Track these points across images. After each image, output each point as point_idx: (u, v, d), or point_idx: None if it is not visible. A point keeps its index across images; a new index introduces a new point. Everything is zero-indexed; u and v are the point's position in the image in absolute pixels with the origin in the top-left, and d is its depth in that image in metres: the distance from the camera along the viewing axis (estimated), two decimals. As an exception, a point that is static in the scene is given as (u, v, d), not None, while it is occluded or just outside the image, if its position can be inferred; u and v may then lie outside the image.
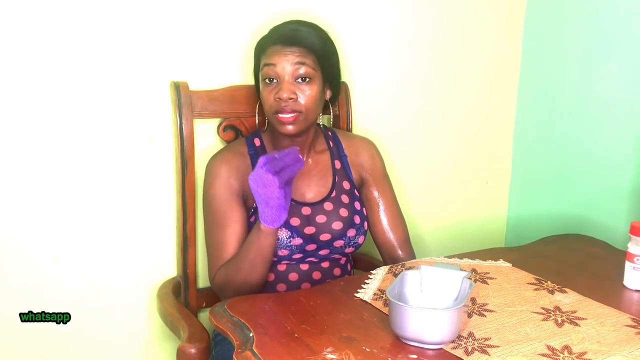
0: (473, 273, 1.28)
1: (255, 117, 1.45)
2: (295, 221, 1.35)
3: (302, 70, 1.31)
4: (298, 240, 1.35)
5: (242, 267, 1.29)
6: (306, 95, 1.32)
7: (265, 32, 1.41)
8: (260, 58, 1.36)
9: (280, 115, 1.31)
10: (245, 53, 1.49)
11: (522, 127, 1.98)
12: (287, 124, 1.31)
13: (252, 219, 1.36)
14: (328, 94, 1.42)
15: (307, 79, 1.32)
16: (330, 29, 1.45)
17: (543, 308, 1.14)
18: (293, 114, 1.31)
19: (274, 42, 1.34)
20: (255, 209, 1.36)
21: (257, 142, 1.43)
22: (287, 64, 1.31)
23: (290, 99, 1.30)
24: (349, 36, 1.64)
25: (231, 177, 1.36)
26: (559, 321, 1.09)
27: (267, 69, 1.32)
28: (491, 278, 1.27)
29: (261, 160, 1.19)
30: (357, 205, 1.43)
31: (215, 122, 1.52)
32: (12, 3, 1.30)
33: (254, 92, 1.47)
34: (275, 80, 1.32)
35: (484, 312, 1.12)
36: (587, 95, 1.75)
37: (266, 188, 1.18)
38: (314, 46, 1.34)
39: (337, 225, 1.38)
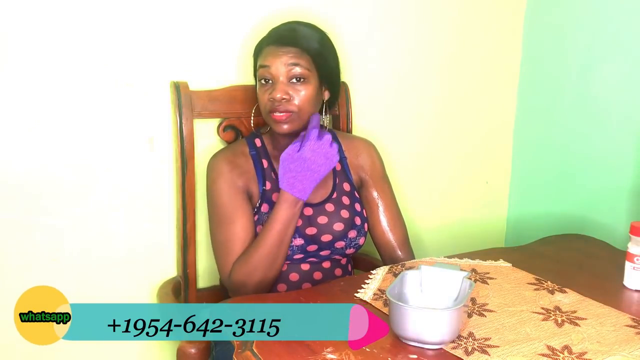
0: (473, 273, 1.28)
1: (251, 118, 1.46)
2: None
3: (296, 70, 1.32)
4: (299, 241, 1.35)
5: (269, 247, 1.28)
6: (300, 95, 1.32)
7: (265, 32, 1.41)
8: (257, 59, 1.38)
9: (274, 114, 1.32)
10: (245, 53, 1.49)
11: (522, 127, 1.98)
12: (280, 123, 1.33)
13: (256, 218, 1.36)
14: (326, 95, 1.41)
15: (302, 79, 1.33)
16: (331, 29, 1.45)
17: (543, 308, 1.14)
18: (286, 113, 1.32)
19: (270, 42, 1.35)
20: (259, 208, 1.36)
21: (257, 142, 1.43)
22: (281, 65, 1.32)
23: (283, 99, 1.31)
24: (349, 36, 1.64)
25: (234, 175, 1.36)
26: (559, 321, 1.09)
27: (262, 70, 1.34)
28: (491, 278, 1.27)
29: (329, 136, 1.28)
30: (358, 206, 1.43)
31: (215, 122, 1.52)
32: (12, 3, 1.30)
33: (254, 93, 1.47)
34: (270, 81, 1.33)
35: (484, 312, 1.12)
36: (587, 95, 1.75)
37: (330, 164, 1.27)
38: (310, 46, 1.34)
39: (338, 227, 1.38)
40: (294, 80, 1.32)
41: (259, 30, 1.44)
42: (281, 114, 1.32)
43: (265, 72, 1.33)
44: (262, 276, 1.29)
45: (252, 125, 1.48)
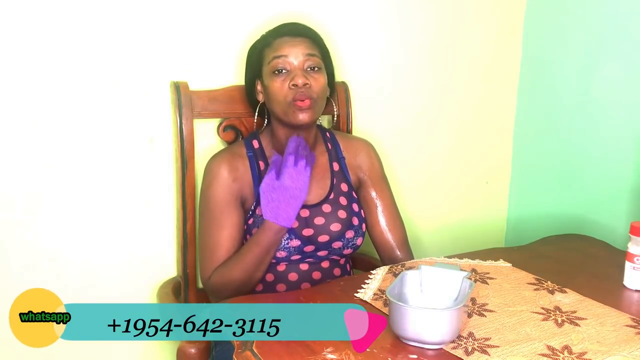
0: (473, 273, 1.28)
1: (255, 117, 1.45)
2: (293, 223, 1.35)
3: (313, 60, 1.34)
4: (296, 242, 1.34)
5: (248, 265, 1.30)
6: (318, 83, 1.33)
7: (264, 32, 1.41)
8: (265, 54, 1.36)
9: (297, 102, 1.31)
10: (245, 53, 1.49)
11: (522, 127, 1.98)
12: (303, 111, 1.31)
13: (250, 222, 1.36)
14: (327, 91, 1.42)
15: (316, 69, 1.34)
16: (330, 29, 1.45)
17: (543, 308, 1.14)
18: (309, 100, 1.31)
19: (281, 34, 1.36)
20: (254, 211, 1.36)
21: (255, 144, 1.43)
22: (299, 54, 1.33)
23: (306, 84, 1.31)
24: (348, 36, 1.64)
25: (231, 178, 1.36)
26: (559, 321, 1.09)
27: (276, 60, 1.33)
28: (491, 278, 1.27)
29: (303, 160, 1.24)
30: (355, 207, 1.43)
31: (215, 122, 1.52)
32: (12, 3, 1.30)
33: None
34: (284, 71, 1.33)
35: (484, 312, 1.12)
36: (587, 95, 1.75)
37: (307, 187, 1.25)
38: (318, 39, 1.38)
39: (335, 227, 1.38)
40: (309, 69, 1.33)
41: (259, 30, 1.44)
42: (305, 100, 1.31)
43: (281, 62, 1.32)
44: (237, 287, 1.31)
45: (254, 122, 1.45)
